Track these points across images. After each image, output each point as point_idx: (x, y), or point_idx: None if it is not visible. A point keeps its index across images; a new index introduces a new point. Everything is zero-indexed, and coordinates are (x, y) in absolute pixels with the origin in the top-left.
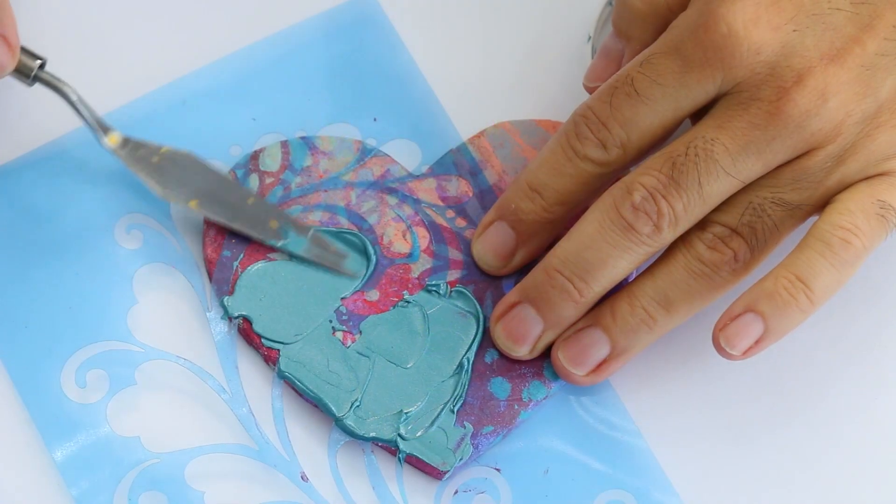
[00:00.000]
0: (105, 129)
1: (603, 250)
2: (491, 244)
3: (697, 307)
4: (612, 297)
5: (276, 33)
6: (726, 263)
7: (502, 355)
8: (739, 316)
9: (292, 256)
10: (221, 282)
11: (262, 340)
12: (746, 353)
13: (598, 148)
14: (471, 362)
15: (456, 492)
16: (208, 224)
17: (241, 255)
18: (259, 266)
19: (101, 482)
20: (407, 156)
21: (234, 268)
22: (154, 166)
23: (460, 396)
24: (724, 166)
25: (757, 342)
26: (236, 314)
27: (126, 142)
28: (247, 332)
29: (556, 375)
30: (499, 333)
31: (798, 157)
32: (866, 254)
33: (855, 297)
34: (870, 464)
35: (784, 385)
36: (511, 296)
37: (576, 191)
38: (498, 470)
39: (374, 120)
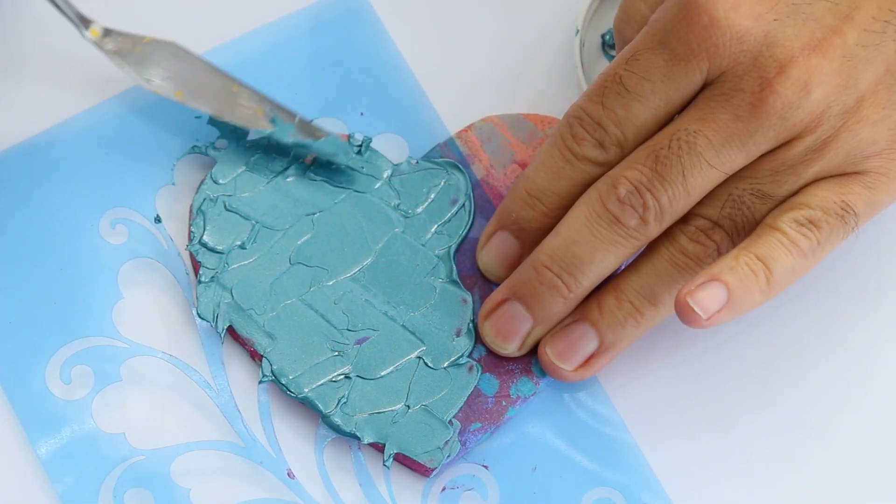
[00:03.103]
0: (86, 21)
1: (590, 244)
2: (496, 254)
3: None
4: (599, 292)
5: (263, 26)
6: (709, 256)
7: (490, 351)
8: (704, 283)
9: (279, 147)
10: None
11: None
12: (711, 318)
13: (597, 148)
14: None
15: (444, 489)
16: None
17: None
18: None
19: (86, 478)
20: (394, 150)
21: None
22: (137, 57)
23: (451, 394)
24: (708, 159)
25: (718, 311)
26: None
27: (107, 33)
28: (231, 329)
29: (544, 372)
30: (487, 331)
31: (777, 148)
32: (822, 250)
33: (842, 292)
34: (860, 458)
35: (771, 380)
36: (499, 293)
37: (576, 193)
38: (486, 467)
39: (361, 114)
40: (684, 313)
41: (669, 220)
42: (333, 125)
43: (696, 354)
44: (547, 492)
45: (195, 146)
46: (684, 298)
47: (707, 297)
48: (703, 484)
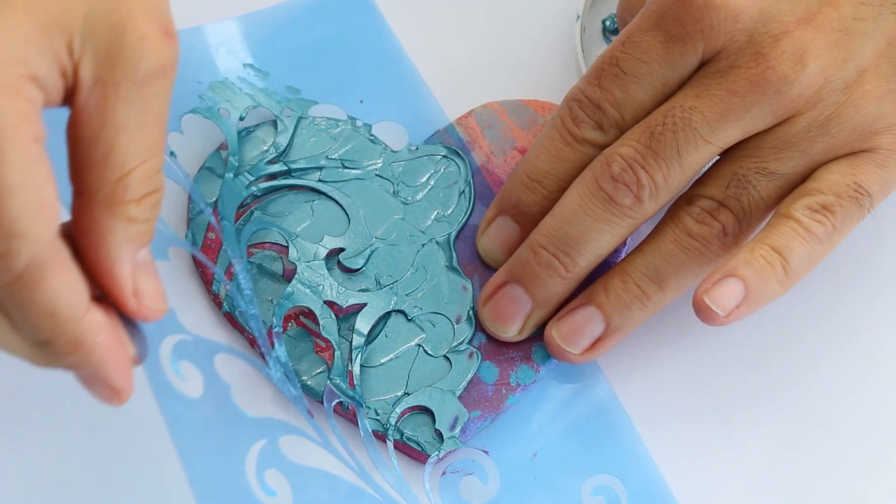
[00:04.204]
0: None
1: (585, 224)
2: (496, 239)
3: (689, 282)
4: (605, 275)
5: (263, 10)
6: (715, 237)
7: (490, 339)
8: (721, 280)
9: None
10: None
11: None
12: (730, 315)
13: (596, 130)
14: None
15: (444, 473)
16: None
17: None
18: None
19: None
20: (394, 137)
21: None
22: None
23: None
24: (703, 134)
25: (737, 307)
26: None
27: None
28: (229, 317)
29: (544, 359)
30: (487, 315)
31: (778, 124)
32: (839, 234)
33: (844, 279)
34: (861, 449)
35: (773, 371)
36: (498, 277)
37: (577, 175)
38: (486, 452)
39: (361, 102)
40: (703, 312)
41: (665, 197)
42: (332, 113)
43: (698, 342)
44: (547, 477)
45: (197, 108)
46: (701, 297)
47: (724, 294)
48: (702, 472)
